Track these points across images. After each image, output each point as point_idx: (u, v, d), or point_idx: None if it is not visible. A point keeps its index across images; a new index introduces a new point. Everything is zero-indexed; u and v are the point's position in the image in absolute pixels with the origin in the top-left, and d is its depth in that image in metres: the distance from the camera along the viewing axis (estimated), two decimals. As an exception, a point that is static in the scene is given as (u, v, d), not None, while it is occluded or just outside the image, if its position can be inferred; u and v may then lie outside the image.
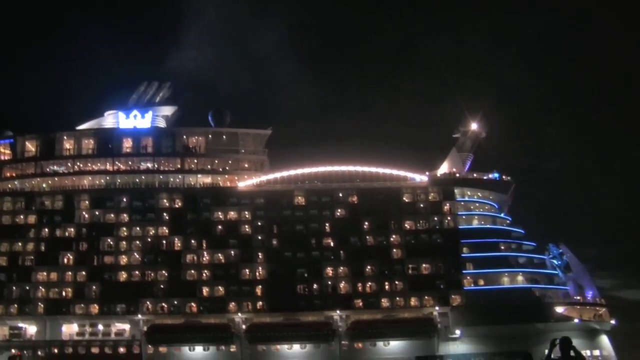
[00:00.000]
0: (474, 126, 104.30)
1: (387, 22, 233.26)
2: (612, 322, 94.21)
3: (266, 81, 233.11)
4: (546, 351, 12.50)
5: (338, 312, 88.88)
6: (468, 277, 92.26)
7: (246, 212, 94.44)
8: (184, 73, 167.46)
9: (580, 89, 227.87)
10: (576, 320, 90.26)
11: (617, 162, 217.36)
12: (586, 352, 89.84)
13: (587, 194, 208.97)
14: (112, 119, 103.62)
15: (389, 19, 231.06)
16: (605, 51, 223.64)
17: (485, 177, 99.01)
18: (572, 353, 12.22)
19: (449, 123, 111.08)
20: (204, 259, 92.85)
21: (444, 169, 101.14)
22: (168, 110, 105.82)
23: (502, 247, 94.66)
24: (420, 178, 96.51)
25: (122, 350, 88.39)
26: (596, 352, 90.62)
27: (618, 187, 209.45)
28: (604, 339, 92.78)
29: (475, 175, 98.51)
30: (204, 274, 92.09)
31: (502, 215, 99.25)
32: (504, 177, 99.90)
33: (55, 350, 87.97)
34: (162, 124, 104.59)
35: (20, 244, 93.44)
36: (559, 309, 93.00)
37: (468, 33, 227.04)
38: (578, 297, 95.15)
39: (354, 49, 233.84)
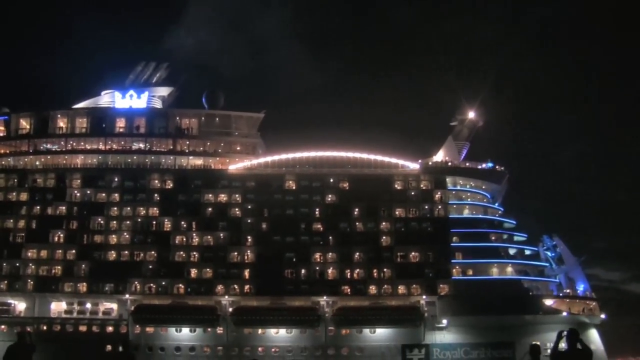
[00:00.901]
0: (471, 114, 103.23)
1: (389, 10, 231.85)
2: (602, 316, 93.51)
3: (266, 65, 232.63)
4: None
5: (325, 297, 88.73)
6: (457, 267, 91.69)
7: (237, 195, 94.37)
8: (183, 54, 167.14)
9: (589, 78, 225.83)
10: (564, 314, 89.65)
11: (629, 153, 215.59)
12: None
13: (597, 185, 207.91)
14: (108, 99, 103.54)
15: (390, 6, 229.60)
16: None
17: (478, 167, 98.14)
18: (578, 345, 12.24)
19: (446, 111, 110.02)
20: (193, 240, 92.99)
21: (439, 157, 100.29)
22: (164, 91, 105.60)
23: (493, 238, 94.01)
24: (413, 166, 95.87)
25: (109, 329, 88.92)
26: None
27: (629, 179, 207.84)
28: (593, 333, 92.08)
29: (468, 164, 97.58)
30: (193, 256, 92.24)
31: (494, 205, 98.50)
32: (497, 167, 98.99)
33: (44, 327, 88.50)
34: (158, 104, 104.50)
35: (11, 220, 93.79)
36: (548, 302, 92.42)
37: (470, 19, 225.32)
38: (567, 290, 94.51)
39: (355, 36, 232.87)
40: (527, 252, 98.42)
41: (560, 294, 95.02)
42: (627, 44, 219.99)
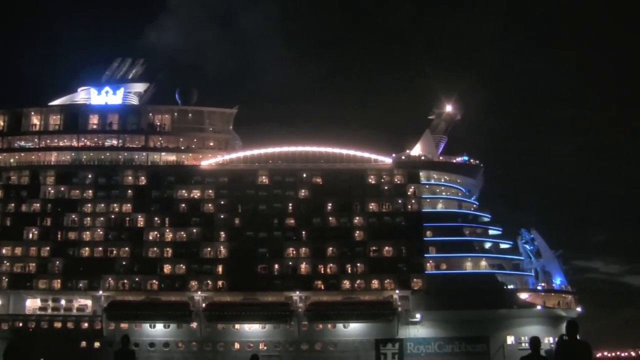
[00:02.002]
0: (448, 108, 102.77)
1: (369, 8, 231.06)
2: (578, 309, 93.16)
3: (248, 62, 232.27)
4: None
5: (298, 292, 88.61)
6: (430, 261, 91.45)
7: (210, 191, 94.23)
8: (164, 51, 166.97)
9: (589, 71, 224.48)
10: (539, 307, 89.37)
11: (628, 147, 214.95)
12: (549, 339, 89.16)
13: (597, 178, 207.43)
14: (84, 95, 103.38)
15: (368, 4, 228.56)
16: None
17: (452, 161, 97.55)
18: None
19: (424, 106, 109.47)
20: (167, 236, 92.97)
21: (416, 151, 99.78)
22: (140, 87, 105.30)
23: (467, 232, 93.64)
24: (386, 160, 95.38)
25: (84, 325, 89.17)
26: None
27: (628, 173, 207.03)
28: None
29: (442, 158, 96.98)
30: (166, 252, 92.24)
31: (470, 199, 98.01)
32: (472, 160, 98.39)
33: (19, 324, 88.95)
34: (134, 100, 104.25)
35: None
36: (523, 296, 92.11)
37: (450, 14, 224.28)
38: (543, 284, 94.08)
39: (337, 33, 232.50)
40: (504, 246, 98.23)
41: (539, 287, 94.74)
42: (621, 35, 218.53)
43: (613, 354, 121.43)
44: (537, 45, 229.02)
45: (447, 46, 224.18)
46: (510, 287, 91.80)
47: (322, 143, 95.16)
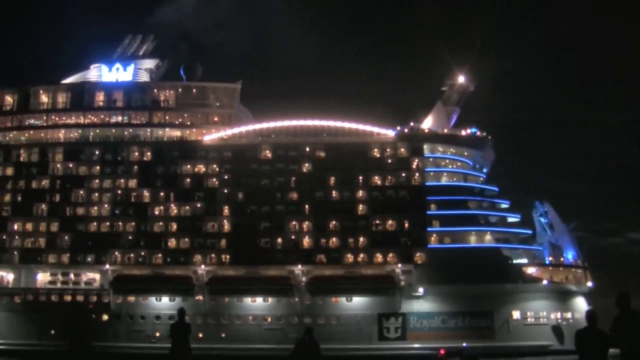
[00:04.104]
0: (461, 79, 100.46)
1: None
2: (589, 284, 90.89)
3: (259, 36, 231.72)
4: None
5: (300, 266, 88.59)
6: (434, 235, 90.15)
7: (213, 166, 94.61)
8: (174, 27, 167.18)
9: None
10: (545, 282, 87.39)
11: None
12: (556, 315, 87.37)
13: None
14: (96, 72, 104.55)
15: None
16: None
17: (456, 133, 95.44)
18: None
19: (436, 78, 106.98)
20: (171, 211, 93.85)
21: (427, 123, 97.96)
22: (150, 64, 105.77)
23: (473, 205, 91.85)
24: (389, 133, 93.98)
25: (93, 299, 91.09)
26: (567, 315, 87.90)
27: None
28: (579, 302, 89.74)
29: (446, 130, 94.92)
30: (170, 226, 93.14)
31: (477, 172, 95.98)
32: (479, 133, 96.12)
33: (31, 297, 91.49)
34: (145, 77, 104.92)
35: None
36: (530, 270, 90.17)
37: None
38: (550, 258, 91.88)
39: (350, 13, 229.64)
40: (513, 220, 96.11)
41: (547, 262, 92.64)
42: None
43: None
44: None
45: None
46: (517, 261, 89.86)
47: (326, 117, 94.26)
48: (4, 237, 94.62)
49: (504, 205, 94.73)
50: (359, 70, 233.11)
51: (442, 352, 77.69)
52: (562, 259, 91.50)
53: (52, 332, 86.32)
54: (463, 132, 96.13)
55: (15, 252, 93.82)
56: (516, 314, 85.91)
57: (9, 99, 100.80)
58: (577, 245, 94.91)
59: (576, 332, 12.24)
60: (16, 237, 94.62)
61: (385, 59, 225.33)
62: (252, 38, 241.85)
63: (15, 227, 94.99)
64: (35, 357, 79.12)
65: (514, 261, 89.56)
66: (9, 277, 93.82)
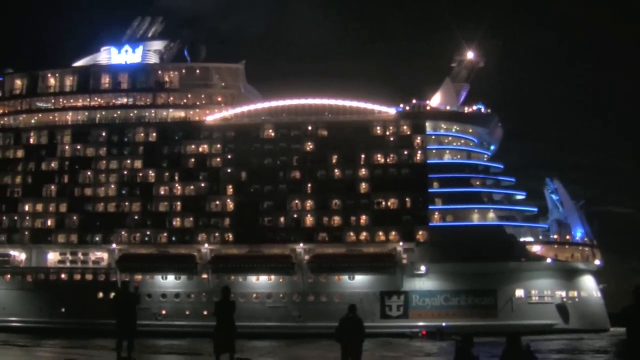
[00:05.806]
0: (470, 55, 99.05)
1: None
2: (597, 262, 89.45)
3: (273, 18, 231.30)
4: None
5: (302, 245, 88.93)
6: (436, 213, 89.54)
7: (217, 145, 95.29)
8: (183, 9, 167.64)
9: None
10: (548, 260, 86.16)
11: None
12: (562, 293, 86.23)
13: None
14: (106, 55, 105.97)
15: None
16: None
17: (460, 110, 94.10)
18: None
19: (444, 59, 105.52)
20: (176, 191, 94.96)
21: (436, 100, 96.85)
22: (158, 45, 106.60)
23: (476, 183, 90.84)
24: (391, 111, 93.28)
25: (101, 277, 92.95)
26: (573, 293, 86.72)
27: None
28: (586, 280, 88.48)
29: (448, 107, 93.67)
30: (175, 206, 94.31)
31: (481, 150, 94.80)
32: (483, 109, 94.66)
33: (42, 276, 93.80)
34: (153, 59, 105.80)
35: (9, 177, 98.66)
36: (535, 248, 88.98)
37: None
38: (555, 236, 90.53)
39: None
40: (519, 197, 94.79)
41: (552, 240, 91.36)
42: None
43: None
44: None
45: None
46: (522, 239, 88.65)
47: (328, 95, 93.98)
48: (15, 218, 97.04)
49: (509, 182, 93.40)
50: (372, 52, 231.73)
51: (423, 332, 79.41)
52: (568, 237, 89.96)
53: (63, 309, 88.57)
54: (467, 109, 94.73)
55: (26, 232, 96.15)
56: (520, 293, 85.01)
57: (18, 82, 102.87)
58: (586, 222, 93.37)
59: (623, 309, 11.47)
60: (27, 217, 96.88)
61: (400, 40, 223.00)
62: (266, 20, 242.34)
63: (26, 208, 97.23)
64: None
65: (519, 239, 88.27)
66: (21, 256, 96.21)
